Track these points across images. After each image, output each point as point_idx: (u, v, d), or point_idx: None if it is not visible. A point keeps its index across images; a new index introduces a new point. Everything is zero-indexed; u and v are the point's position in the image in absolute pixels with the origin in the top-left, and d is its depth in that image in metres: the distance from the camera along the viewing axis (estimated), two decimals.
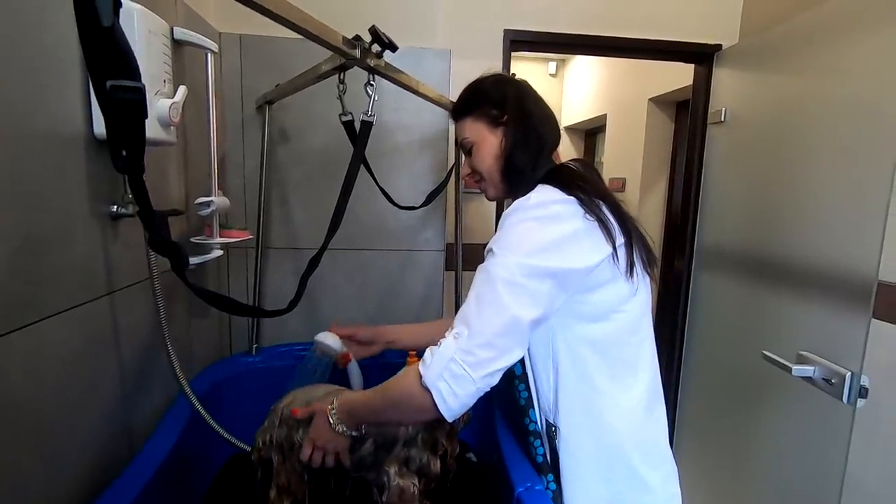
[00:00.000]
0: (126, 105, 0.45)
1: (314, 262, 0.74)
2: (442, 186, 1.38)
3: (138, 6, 0.79)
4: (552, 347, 0.79)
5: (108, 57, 0.43)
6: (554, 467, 0.83)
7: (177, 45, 1.10)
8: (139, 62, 0.77)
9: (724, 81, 1.66)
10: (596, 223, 0.72)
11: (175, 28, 1.07)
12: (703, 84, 1.74)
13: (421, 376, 0.69)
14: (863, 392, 1.08)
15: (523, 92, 0.87)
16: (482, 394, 0.69)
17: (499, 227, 0.75)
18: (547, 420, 0.83)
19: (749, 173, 1.53)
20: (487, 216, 1.68)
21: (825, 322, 1.19)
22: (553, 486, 0.84)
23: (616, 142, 3.33)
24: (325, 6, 1.47)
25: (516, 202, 0.74)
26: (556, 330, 0.78)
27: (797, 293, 1.30)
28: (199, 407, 0.97)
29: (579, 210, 0.72)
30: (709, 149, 1.73)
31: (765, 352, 1.28)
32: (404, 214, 1.40)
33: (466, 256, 1.56)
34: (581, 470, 0.80)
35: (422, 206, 1.34)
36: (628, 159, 2.99)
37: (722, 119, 1.63)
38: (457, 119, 0.91)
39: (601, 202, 0.74)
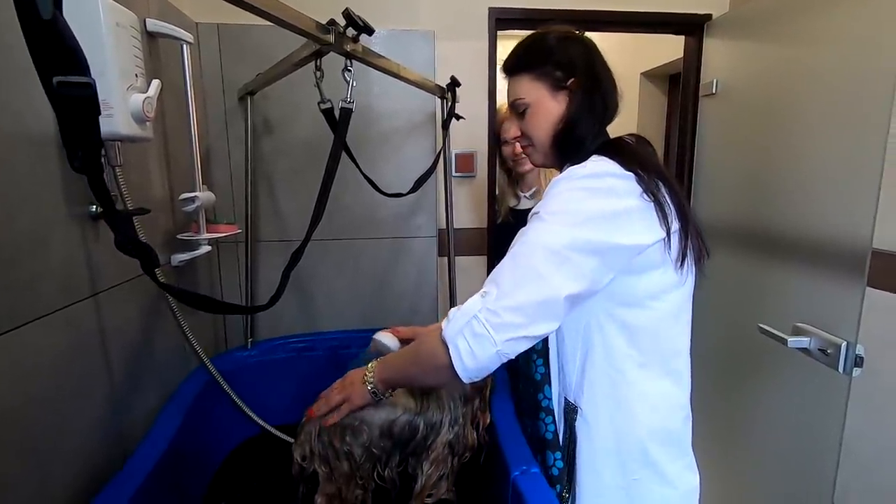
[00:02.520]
0: (76, 101, 0.43)
1: (296, 256, 0.73)
2: (430, 172, 1.36)
3: None
4: (584, 326, 0.75)
5: (51, 52, 0.41)
6: (566, 447, 0.80)
7: (151, 37, 1.07)
8: (106, 56, 0.76)
9: (715, 52, 1.62)
10: (652, 204, 0.67)
11: (148, 20, 1.05)
12: (693, 56, 1.70)
13: (442, 331, 0.66)
14: (858, 361, 1.07)
15: (593, 54, 0.79)
16: (504, 360, 0.65)
17: (547, 192, 0.70)
18: (567, 399, 0.80)
19: (742, 145, 1.50)
20: (480, 200, 1.66)
21: (820, 293, 1.18)
22: (560, 464, 0.82)
23: None
24: None
25: (570, 169, 0.70)
26: (591, 308, 0.73)
27: (792, 264, 1.29)
28: (223, 381, 0.97)
29: (636, 188, 0.67)
30: (701, 121, 1.70)
31: (761, 324, 1.27)
32: (394, 202, 1.39)
33: (459, 241, 1.55)
34: (597, 454, 0.77)
35: (409, 192, 1.32)
36: (622, 134, 2.95)
37: (713, 91, 1.60)
38: (511, 75, 0.82)
39: (660, 182, 0.69)
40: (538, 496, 0.76)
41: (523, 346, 0.65)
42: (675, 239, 0.70)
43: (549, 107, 0.77)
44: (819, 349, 1.14)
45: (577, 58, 0.77)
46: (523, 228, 0.68)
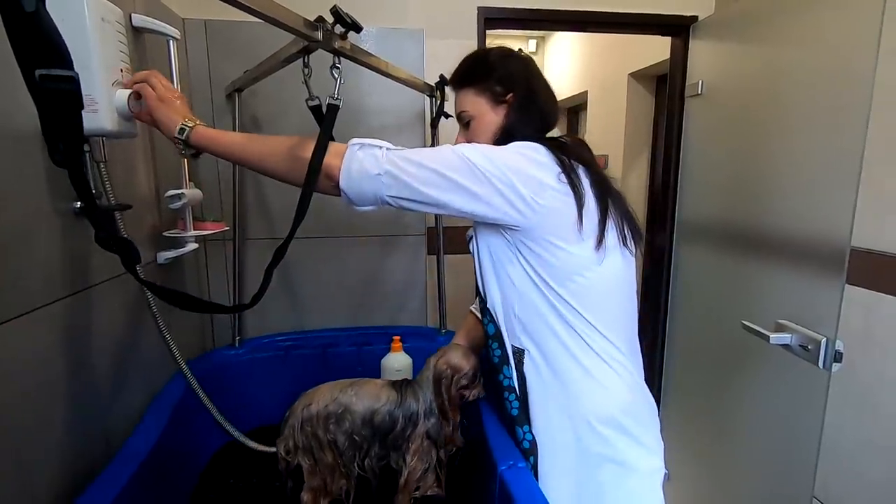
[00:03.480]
0: (59, 95, 0.43)
1: (279, 253, 0.73)
2: None
3: None
4: (512, 280, 0.81)
5: (34, 45, 0.40)
6: (520, 390, 0.86)
7: (137, 32, 1.06)
8: (91, 51, 0.75)
9: (701, 54, 1.65)
10: (568, 187, 0.75)
11: (133, 15, 1.04)
12: (679, 57, 1.73)
13: (350, 144, 0.74)
14: (838, 357, 1.10)
15: (530, 70, 0.86)
16: (380, 196, 0.73)
17: None
18: (513, 345, 0.85)
19: (726, 145, 1.53)
20: None
21: (802, 290, 1.21)
22: (529, 436, 0.86)
23: (598, 118, 3.31)
24: None
25: None
26: (517, 265, 0.80)
27: (774, 262, 1.31)
28: (199, 389, 0.97)
29: (555, 168, 0.75)
30: (687, 122, 1.73)
31: (744, 321, 1.29)
32: None
33: (448, 240, 1.55)
34: (546, 390, 0.83)
35: None
36: (610, 135, 2.98)
37: (699, 92, 1.62)
38: (456, 88, 0.89)
39: (583, 171, 0.78)
40: (525, 490, 0.77)
41: (404, 194, 0.73)
42: (588, 218, 0.76)
43: (490, 118, 0.85)
44: (800, 345, 1.17)
45: (516, 74, 0.84)
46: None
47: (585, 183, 0.78)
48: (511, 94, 0.84)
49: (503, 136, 0.84)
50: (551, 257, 0.77)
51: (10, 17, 0.39)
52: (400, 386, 0.99)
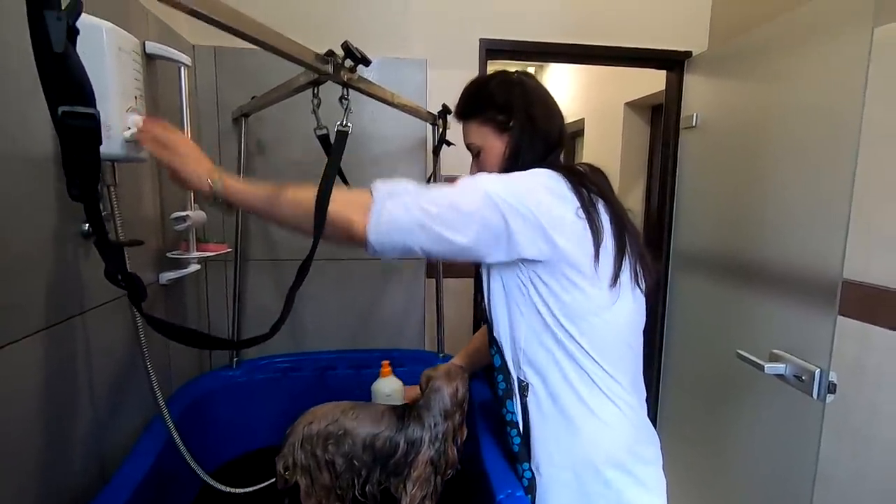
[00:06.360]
0: (79, 132, 0.44)
1: (303, 271, 0.71)
2: None
3: (108, 24, 0.78)
4: (522, 312, 0.80)
5: (60, 83, 0.42)
6: (523, 425, 0.84)
7: (149, 59, 1.09)
8: (108, 80, 0.77)
9: (695, 87, 1.70)
10: (586, 222, 0.74)
11: (147, 42, 1.07)
12: (674, 90, 1.78)
13: (373, 186, 0.72)
14: (831, 388, 1.11)
15: (529, 94, 0.86)
16: (411, 240, 0.70)
17: None
18: (518, 378, 0.84)
19: (720, 177, 1.57)
20: None
21: (795, 320, 1.23)
22: (528, 474, 0.85)
23: (594, 146, 3.37)
24: (301, 18, 1.48)
25: None
26: (528, 298, 0.79)
27: (768, 293, 1.33)
28: (176, 435, 0.95)
29: (574, 202, 0.74)
30: (682, 153, 1.77)
31: (739, 351, 1.31)
32: None
33: (447, 264, 1.57)
34: (548, 425, 0.82)
35: None
36: (606, 163, 2.98)
37: (693, 124, 1.67)
38: (461, 120, 0.91)
39: (602, 205, 0.77)
40: None
41: (435, 246, 0.70)
42: (604, 256, 0.75)
43: (496, 147, 0.87)
44: (794, 375, 1.18)
45: (515, 100, 0.85)
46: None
47: (604, 219, 0.77)
48: (513, 121, 0.85)
49: (511, 162, 0.85)
50: (564, 293, 0.76)
51: (40, 55, 0.41)
52: (402, 411, 0.99)
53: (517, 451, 0.87)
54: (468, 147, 0.92)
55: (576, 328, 0.77)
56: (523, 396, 0.83)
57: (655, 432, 0.88)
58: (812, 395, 1.12)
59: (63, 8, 0.42)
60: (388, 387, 1.22)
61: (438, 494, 0.97)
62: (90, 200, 0.47)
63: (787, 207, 1.28)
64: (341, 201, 0.71)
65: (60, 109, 0.44)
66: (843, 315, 1.18)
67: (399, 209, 0.69)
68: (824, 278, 1.14)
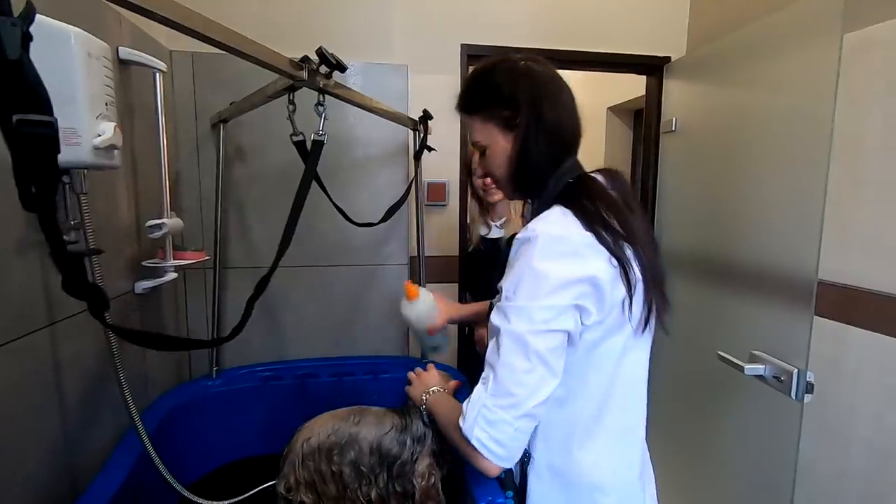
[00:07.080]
0: (35, 140, 0.43)
1: (261, 286, 0.72)
2: (401, 202, 1.38)
3: (76, 29, 0.76)
4: None
5: (14, 91, 0.41)
6: (521, 490, 0.79)
7: (123, 64, 1.08)
8: (76, 86, 0.76)
9: (674, 92, 1.72)
10: (619, 270, 0.67)
11: (120, 48, 1.05)
12: (654, 95, 1.80)
13: (461, 429, 0.67)
14: (809, 388, 1.12)
15: (538, 87, 0.75)
16: (529, 432, 0.67)
17: (512, 256, 0.69)
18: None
19: (699, 180, 1.58)
20: (451, 228, 1.68)
21: (773, 321, 1.24)
22: (511, 503, 0.83)
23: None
24: (283, 25, 1.47)
25: (529, 228, 0.68)
26: None
27: (748, 294, 1.35)
28: (151, 448, 0.93)
29: (604, 253, 0.66)
30: (662, 157, 1.79)
31: (720, 352, 1.32)
32: (367, 230, 1.40)
33: (430, 269, 1.56)
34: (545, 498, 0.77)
35: (380, 222, 1.33)
36: (589, 166, 3.04)
37: (673, 128, 1.69)
38: (464, 113, 0.80)
39: (631, 252, 0.69)
40: None
41: (539, 411, 0.65)
42: (637, 301, 0.69)
43: (503, 146, 0.76)
44: (774, 376, 1.19)
45: (522, 93, 0.73)
46: (499, 304, 0.68)
47: (635, 267, 0.69)
48: (520, 118, 0.73)
49: (519, 165, 0.75)
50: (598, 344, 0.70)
51: None
52: (402, 411, 0.98)
53: (503, 479, 0.86)
54: (473, 145, 0.81)
55: (582, 383, 0.73)
56: (523, 465, 0.78)
57: (650, 463, 0.87)
58: (791, 396, 1.13)
59: (17, 14, 0.41)
60: (424, 304, 1.08)
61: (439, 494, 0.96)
62: (46, 210, 0.46)
63: (764, 209, 1.29)
64: (465, 453, 0.70)
65: (15, 118, 0.42)
66: (821, 316, 1.20)
67: (500, 434, 0.65)
68: (800, 279, 1.15)
